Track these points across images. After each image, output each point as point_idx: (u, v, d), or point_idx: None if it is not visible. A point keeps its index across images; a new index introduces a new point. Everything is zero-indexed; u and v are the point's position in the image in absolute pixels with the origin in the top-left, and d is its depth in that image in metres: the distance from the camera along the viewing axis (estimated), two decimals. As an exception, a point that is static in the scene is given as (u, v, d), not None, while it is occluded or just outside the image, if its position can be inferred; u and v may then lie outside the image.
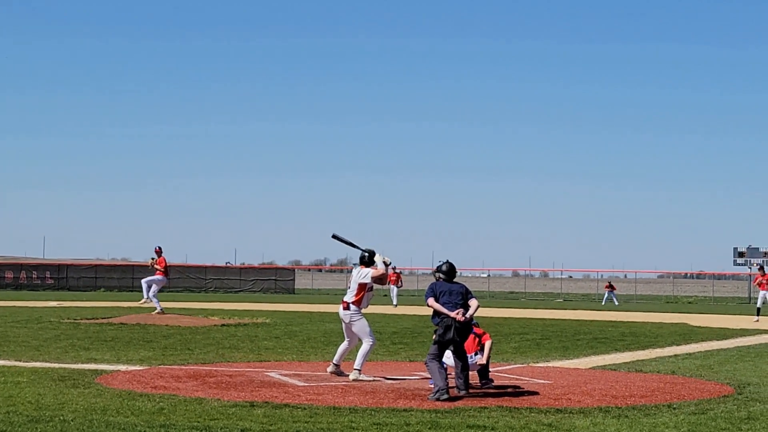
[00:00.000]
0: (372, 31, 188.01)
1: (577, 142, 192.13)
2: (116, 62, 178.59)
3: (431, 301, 13.86)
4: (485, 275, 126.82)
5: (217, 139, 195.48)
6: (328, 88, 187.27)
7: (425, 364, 13.78)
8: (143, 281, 32.83)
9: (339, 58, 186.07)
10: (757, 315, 39.00)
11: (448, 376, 13.61)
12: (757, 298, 39.17)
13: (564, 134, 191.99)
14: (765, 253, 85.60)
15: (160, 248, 33.20)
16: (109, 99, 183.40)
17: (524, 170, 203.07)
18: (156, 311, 31.09)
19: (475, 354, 14.64)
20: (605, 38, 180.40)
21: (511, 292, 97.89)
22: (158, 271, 32.39)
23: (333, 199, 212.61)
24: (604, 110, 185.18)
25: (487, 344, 14.86)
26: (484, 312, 43.77)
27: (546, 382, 15.40)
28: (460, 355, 13.84)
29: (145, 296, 32.04)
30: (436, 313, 13.77)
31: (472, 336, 14.57)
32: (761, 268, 39.33)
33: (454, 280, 14.27)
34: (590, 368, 18.09)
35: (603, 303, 67.00)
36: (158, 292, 32.46)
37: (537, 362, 19.02)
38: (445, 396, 12.97)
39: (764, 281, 38.04)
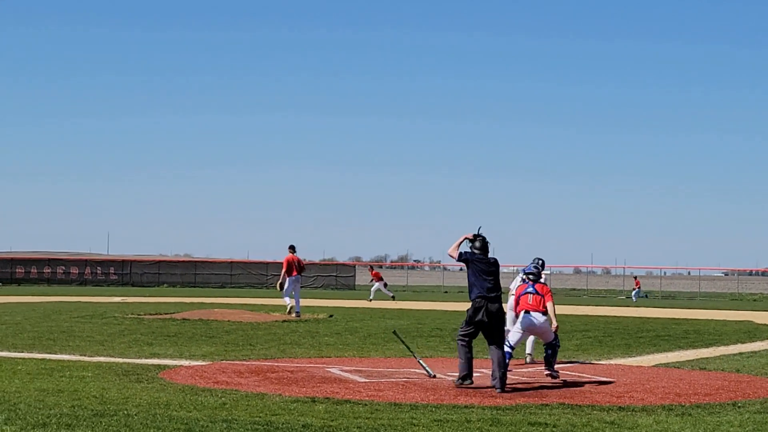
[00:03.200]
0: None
1: (637, 140, 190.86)
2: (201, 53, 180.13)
3: (453, 251, 14.21)
4: (547, 272, 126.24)
5: (281, 132, 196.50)
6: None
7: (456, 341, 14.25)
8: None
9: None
10: None
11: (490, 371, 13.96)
12: None
13: (625, 132, 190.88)
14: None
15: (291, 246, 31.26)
16: (166, 91, 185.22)
17: (587, 168, 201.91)
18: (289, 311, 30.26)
19: (543, 315, 15.24)
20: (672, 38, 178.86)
21: (573, 289, 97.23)
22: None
23: (400, 195, 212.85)
24: (665, 110, 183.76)
25: (549, 306, 15.07)
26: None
27: (608, 379, 15.29)
28: (497, 345, 13.95)
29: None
30: (471, 289, 13.99)
31: (535, 295, 15.38)
32: None
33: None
34: (653, 366, 17.93)
35: (634, 300, 65.11)
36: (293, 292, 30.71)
37: (599, 360, 18.89)
38: (468, 381, 13.68)
39: None
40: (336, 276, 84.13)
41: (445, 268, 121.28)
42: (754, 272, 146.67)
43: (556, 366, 15.57)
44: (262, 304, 40.74)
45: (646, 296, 72.61)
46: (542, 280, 16.24)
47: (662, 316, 38.91)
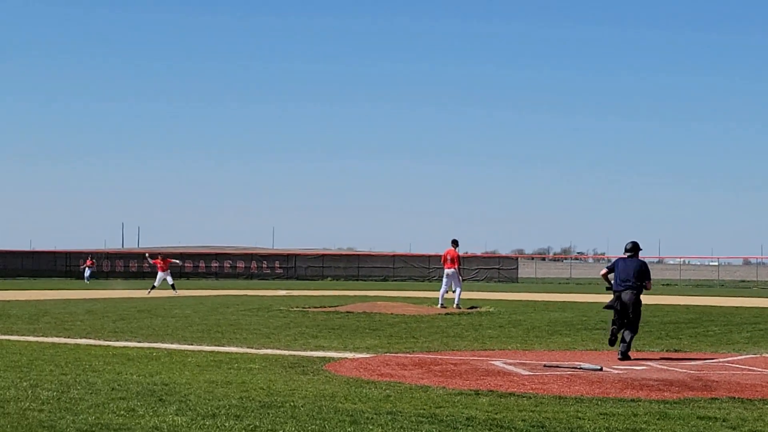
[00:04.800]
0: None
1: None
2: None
3: (603, 271, 17.98)
4: (715, 263, 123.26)
5: (443, 126, 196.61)
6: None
7: None
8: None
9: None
10: None
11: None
12: None
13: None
14: None
15: (455, 241, 31.82)
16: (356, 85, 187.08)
17: (753, 152, 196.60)
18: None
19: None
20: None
21: (742, 281, 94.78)
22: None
23: (562, 188, 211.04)
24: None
25: None
26: (713, 301, 42.60)
27: (781, 373, 14.84)
28: (629, 324, 16.97)
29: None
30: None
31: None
32: None
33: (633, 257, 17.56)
34: (828, 359, 17.33)
35: None
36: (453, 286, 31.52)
37: (771, 353, 18.35)
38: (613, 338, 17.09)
39: None
40: (499, 269, 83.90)
41: (609, 260, 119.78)
42: None
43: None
44: (424, 297, 40.89)
45: None
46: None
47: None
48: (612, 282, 17.49)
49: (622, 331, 16.90)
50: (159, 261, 46.01)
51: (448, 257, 31.23)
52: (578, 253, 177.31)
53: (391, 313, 27.57)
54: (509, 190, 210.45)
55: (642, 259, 17.57)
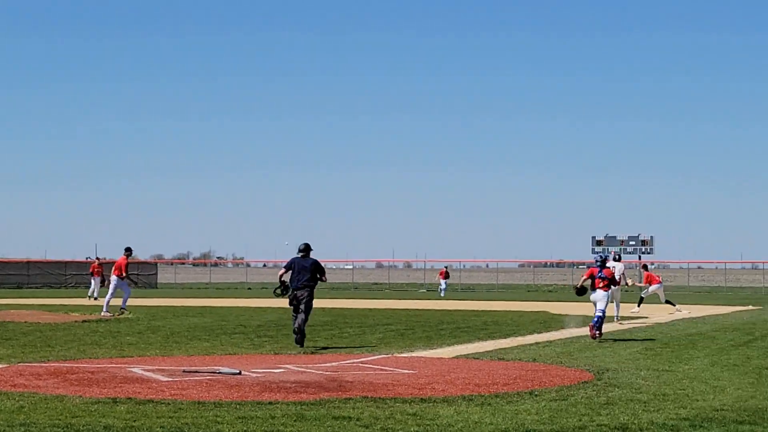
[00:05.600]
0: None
1: (429, 129, 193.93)
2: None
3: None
4: (349, 267, 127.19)
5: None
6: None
7: None
8: None
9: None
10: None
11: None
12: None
13: (410, 122, 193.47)
14: (622, 242, 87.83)
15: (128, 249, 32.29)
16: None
17: (392, 161, 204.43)
18: None
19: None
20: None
21: (375, 283, 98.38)
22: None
23: (204, 194, 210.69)
24: (472, 97, 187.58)
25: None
26: (348, 304, 43.89)
27: (410, 371, 15.52)
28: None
29: None
30: None
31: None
32: (645, 266, 41.31)
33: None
34: (454, 357, 18.31)
35: (442, 294, 61.45)
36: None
37: (401, 352, 19.16)
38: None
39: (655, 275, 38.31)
40: (137, 274, 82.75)
41: (248, 265, 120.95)
42: (548, 264, 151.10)
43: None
44: (61, 305, 39.82)
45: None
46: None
47: (462, 308, 39.75)
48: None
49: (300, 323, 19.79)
50: None
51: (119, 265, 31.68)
52: (218, 257, 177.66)
53: (25, 322, 26.68)
54: (148, 195, 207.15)
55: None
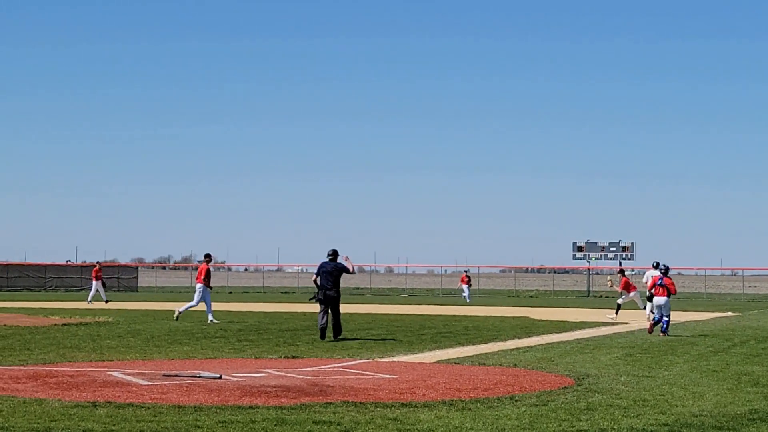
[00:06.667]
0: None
1: (410, 135, 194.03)
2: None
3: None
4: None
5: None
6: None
7: None
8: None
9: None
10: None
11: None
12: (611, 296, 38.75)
13: (390, 128, 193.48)
14: (602, 248, 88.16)
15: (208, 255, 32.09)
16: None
17: (373, 166, 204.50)
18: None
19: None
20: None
21: (356, 288, 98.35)
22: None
23: (187, 199, 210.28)
24: (453, 103, 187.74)
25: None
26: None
27: (391, 376, 15.52)
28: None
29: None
30: None
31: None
32: (622, 271, 39.78)
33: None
34: (435, 362, 18.31)
35: (468, 299, 61.05)
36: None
37: (382, 357, 19.15)
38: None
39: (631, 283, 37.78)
40: (118, 278, 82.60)
41: (229, 269, 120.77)
42: (529, 269, 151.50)
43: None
44: (40, 308, 39.68)
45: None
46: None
47: (443, 314, 39.80)
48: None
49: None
50: None
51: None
52: (199, 261, 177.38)
53: (4, 325, 26.59)
54: (129, 198, 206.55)
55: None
